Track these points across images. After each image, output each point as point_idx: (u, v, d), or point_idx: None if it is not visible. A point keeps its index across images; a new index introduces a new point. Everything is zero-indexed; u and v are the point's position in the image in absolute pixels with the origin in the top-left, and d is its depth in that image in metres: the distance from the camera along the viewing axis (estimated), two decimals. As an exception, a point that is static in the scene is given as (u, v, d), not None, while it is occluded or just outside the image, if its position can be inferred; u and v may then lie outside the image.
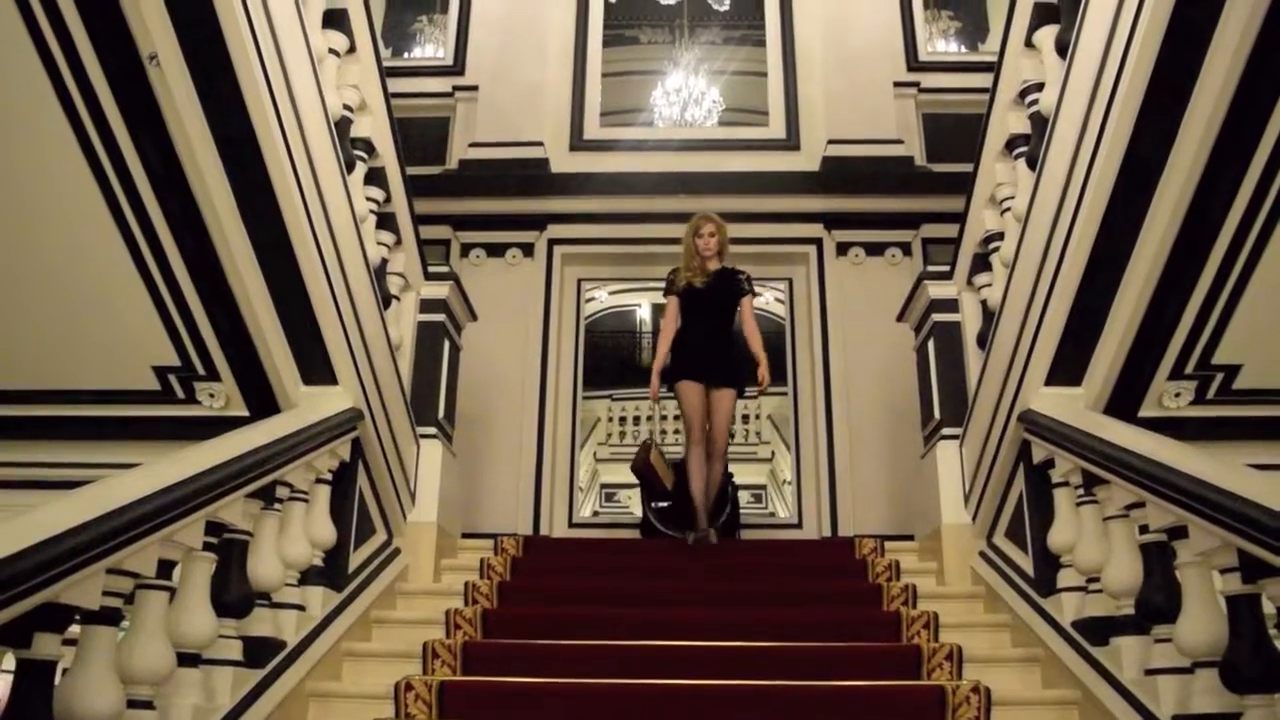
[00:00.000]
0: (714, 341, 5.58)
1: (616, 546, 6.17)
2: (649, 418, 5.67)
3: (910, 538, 5.53)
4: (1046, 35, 4.16)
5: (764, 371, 5.52)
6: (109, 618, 2.56)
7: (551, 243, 7.41)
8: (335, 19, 4.29)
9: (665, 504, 6.13)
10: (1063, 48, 3.91)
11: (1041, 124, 4.11)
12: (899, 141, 7.48)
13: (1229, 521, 2.62)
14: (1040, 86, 4.23)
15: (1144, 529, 3.24)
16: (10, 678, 2.34)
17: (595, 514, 11.71)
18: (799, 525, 6.86)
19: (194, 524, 2.90)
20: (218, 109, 3.41)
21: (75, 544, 2.31)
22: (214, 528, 3.07)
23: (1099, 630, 3.53)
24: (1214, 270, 3.70)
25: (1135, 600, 3.29)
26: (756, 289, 5.95)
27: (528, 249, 7.33)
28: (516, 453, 6.82)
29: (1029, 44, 4.34)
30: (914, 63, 8.02)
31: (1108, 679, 3.37)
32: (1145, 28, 3.22)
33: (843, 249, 7.26)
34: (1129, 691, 3.23)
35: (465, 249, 7.33)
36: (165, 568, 2.82)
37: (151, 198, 3.60)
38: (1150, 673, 3.16)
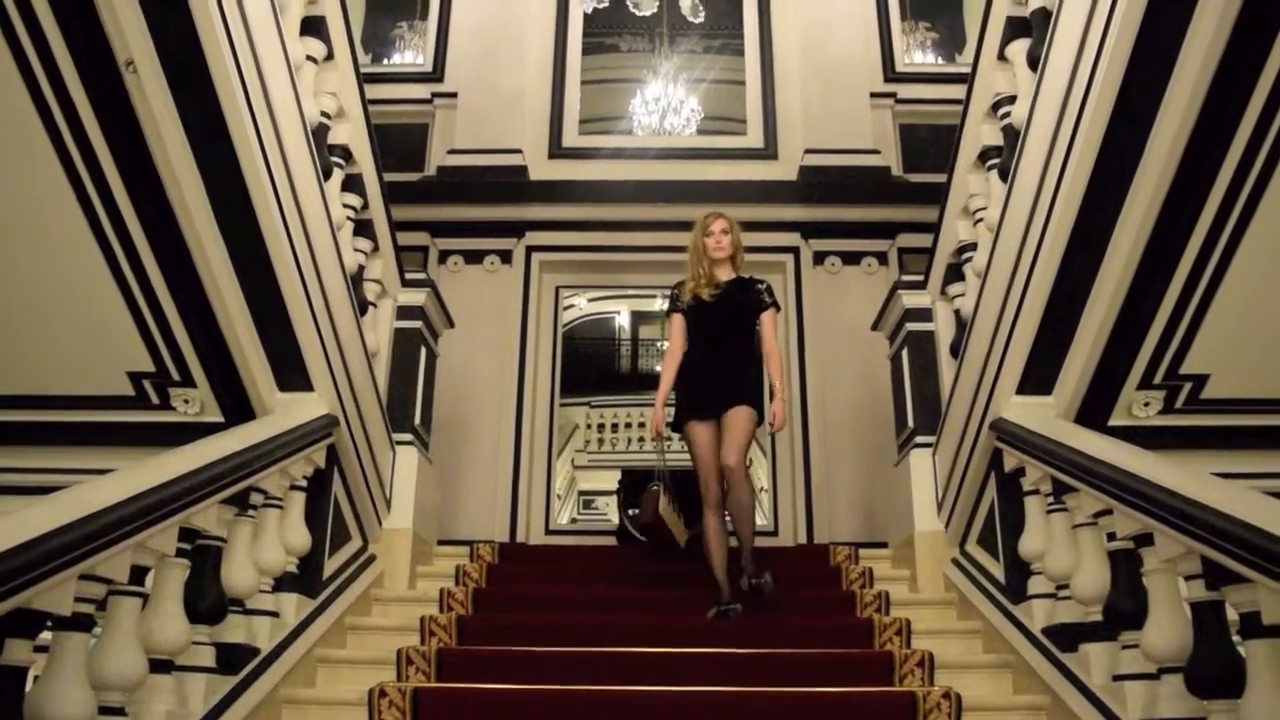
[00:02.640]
0: (727, 367, 4.68)
1: (593, 554, 6.17)
2: (656, 457, 4.98)
3: (884, 545, 5.57)
4: (1019, 49, 4.22)
5: (780, 406, 4.63)
6: (81, 624, 2.55)
7: (530, 250, 7.42)
8: (313, 26, 4.30)
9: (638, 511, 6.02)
10: (1034, 61, 3.97)
11: (1014, 136, 4.17)
12: (876, 152, 7.53)
13: (1193, 530, 2.67)
14: (1013, 99, 4.29)
15: (1111, 536, 3.28)
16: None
17: (573, 520, 11.74)
18: (775, 533, 6.87)
19: (167, 530, 2.90)
20: (193, 115, 3.41)
21: (47, 549, 2.31)
22: (187, 534, 3.07)
23: (1068, 637, 3.58)
24: (1182, 281, 3.77)
25: (1103, 607, 3.35)
26: (779, 303, 5.08)
27: (506, 256, 7.34)
28: (493, 459, 6.81)
29: (1002, 57, 4.40)
30: (891, 74, 8.07)
31: (1077, 685, 3.41)
32: (1113, 42, 3.28)
33: (819, 258, 7.30)
34: (1097, 697, 3.28)
35: (443, 256, 7.32)
36: (138, 574, 2.82)
37: (127, 203, 3.61)
38: (1118, 678, 3.20)
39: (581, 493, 13.00)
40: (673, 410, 4.79)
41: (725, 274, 4.84)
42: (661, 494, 4.86)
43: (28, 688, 2.44)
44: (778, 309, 4.88)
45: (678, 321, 4.82)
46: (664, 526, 4.87)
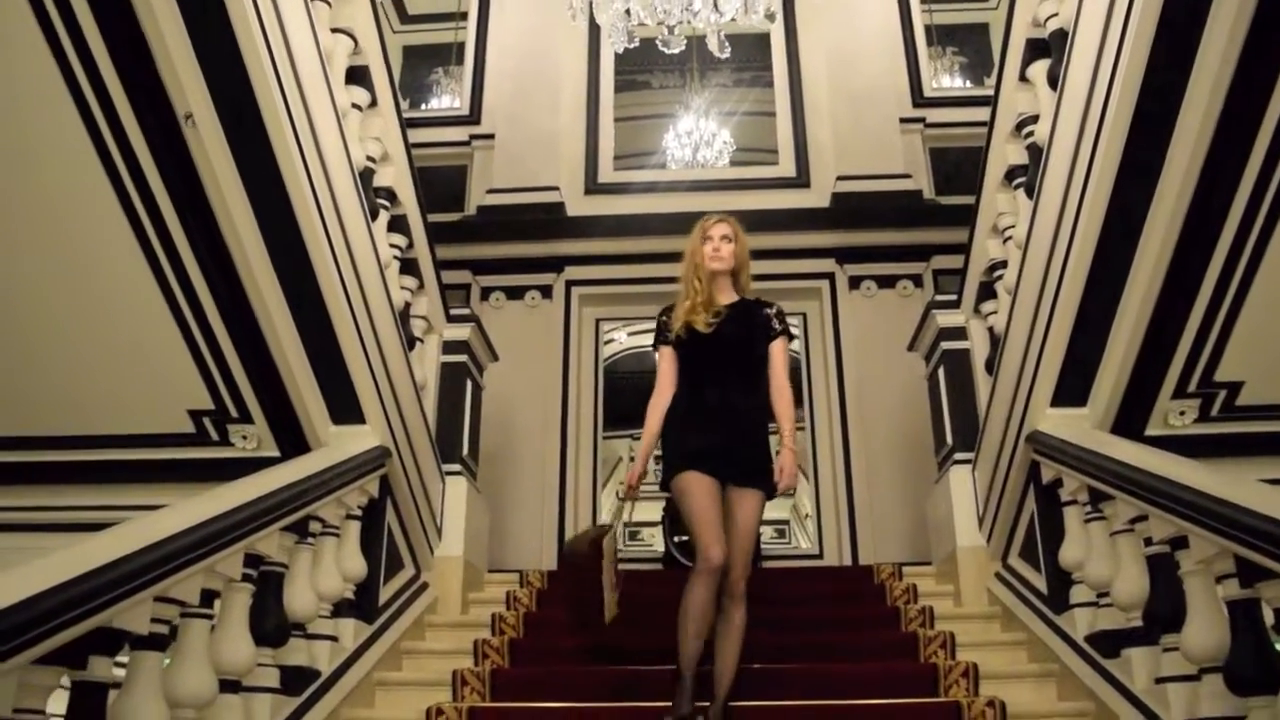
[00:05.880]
0: (734, 420, 3.69)
1: (641, 577, 6.23)
2: (616, 519, 4.14)
3: (929, 564, 5.61)
4: (1039, 70, 4.32)
5: (789, 461, 3.64)
6: (156, 643, 2.69)
7: (569, 284, 7.61)
8: (357, 75, 4.50)
9: (687, 538, 5.97)
10: (1054, 80, 4.07)
11: (1037, 154, 4.26)
12: (907, 176, 7.65)
13: (1225, 529, 2.73)
14: (1035, 119, 4.38)
15: (1148, 542, 3.34)
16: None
17: (618, 551, 11.76)
18: (820, 556, 6.94)
19: (234, 555, 3.04)
20: (249, 162, 3.60)
21: (125, 571, 2.46)
22: (252, 560, 3.21)
23: (1110, 643, 3.62)
24: (1211, 288, 3.82)
25: (1143, 612, 3.40)
26: (792, 329, 4.10)
27: (546, 291, 7.52)
28: (539, 491, 6.95)
29: (1024, 78, 4.50)
30: (919, 99, 8.21)
31: (1120, 690, 3.46)
32: (1129, 53, 3.37)
33: (855, 283, 7.40)
34: (1140, 701, 3.32)
35: (485, 292, 7.51)
36: (208, 597, 2.96)
37: (186, 248, 3.80)
38: (1160, 681, 3.24)
39: (626, 524, 13.06)
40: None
41: (726, 296, 3.88)
42: (612, 534, 4.00)
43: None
44: (790, 338, 3.91)
45: (667, 356, 3.86)
46: (596, 564, 3.91)
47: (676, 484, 3.62)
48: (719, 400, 3.72)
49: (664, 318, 3.93)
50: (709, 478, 3.57)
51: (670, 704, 3.41)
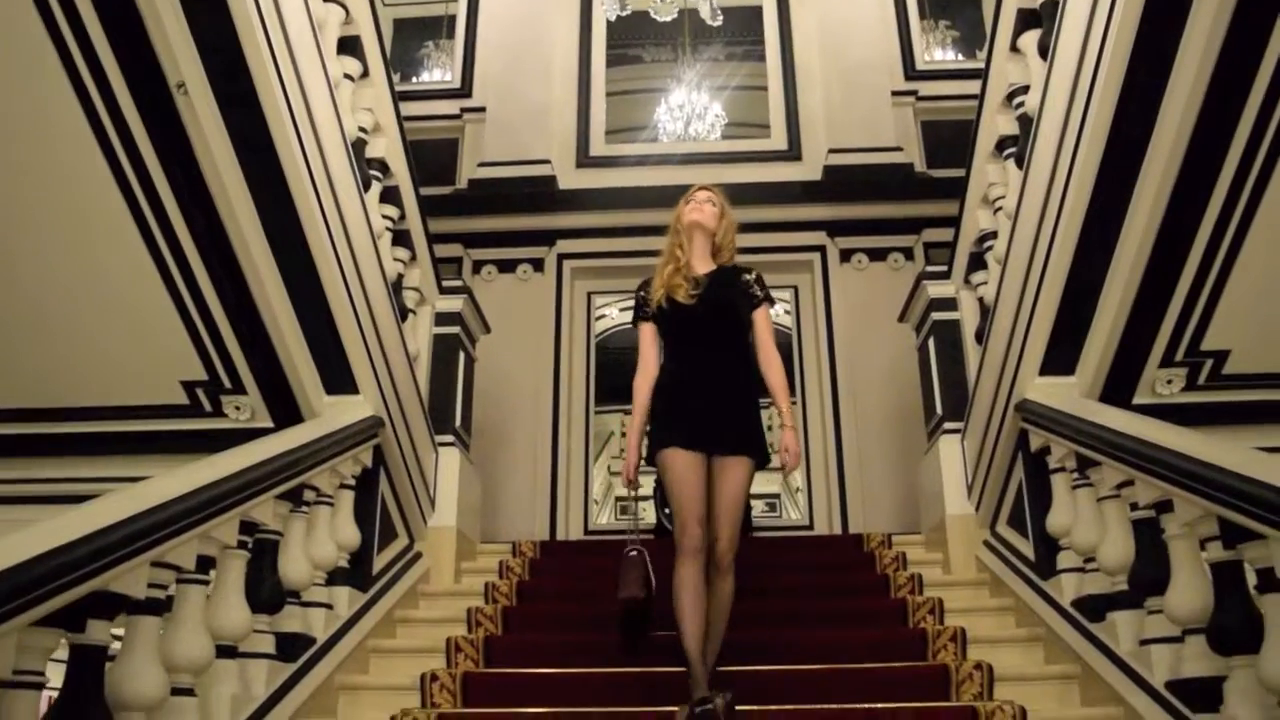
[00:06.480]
0: (719, 389, 3.60)
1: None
2: (623, 509, 3.58)
3: (918, 533, 5.65)
4: (1030, 40, 4.34)
5: (791, 438, 3.55)
6: (154, 608, 2.73)
7: (561, 257, 7.61)
8: (349, 45, 4.50)
9: None
10: (1045, 50, 4.08)
11: (1028, 124, 4.28)
12: (898, 149, 7.65)
13: (1209, 491, 2.78)
14: (1026, 89, 4.40)
15: (1134, 507, 3.38)
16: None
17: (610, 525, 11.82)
18: (810, 527, 6.99)
19: (229, 521, 3.07)
20: (241, 131, 3.60)
21: (122, 535, 2.49)
22: (247, 527, 3.24)
23: (1097, 607, 3.67)
24: (1199, 257, 3.83)
25: (1129, 576, 3.45)
26: (773, 295, 3.90)
27: (538, 264, 7.52)
28: (532, 463, 6.98)
29: (1014, 49, 4.52)
30: (911, 71, 8.20)
31: (1105, 652, 3.51)
32: (1119, 20, 3.38)
33: (846, 255, 7.42)
34: (1125, 663, 3.37)
35: (477, 266, 7.51)
36: (204, 564, 2.99)
37: (179, 218, 3.79)
38: (1144, 643, 3.29)
39: (618, 498, 13.10)
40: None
41: (705, 266, 3.78)
42: (647, 563, 3.63)
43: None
44: (772, 303, 3.81)
45: (648, 332, 3.77)
46: (651, 603, 3.58)
47: (659, 460, 3.55)
48: (703, 370, 3.62)
49: (642, 293, 3.82)
50: (692, 452, 3.49)
51: (688, 695, 3.23)
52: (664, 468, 3.53)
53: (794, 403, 7.51)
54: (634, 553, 3.64)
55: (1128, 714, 3.28)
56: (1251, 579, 2.81)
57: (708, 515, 3.45)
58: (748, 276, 3.76)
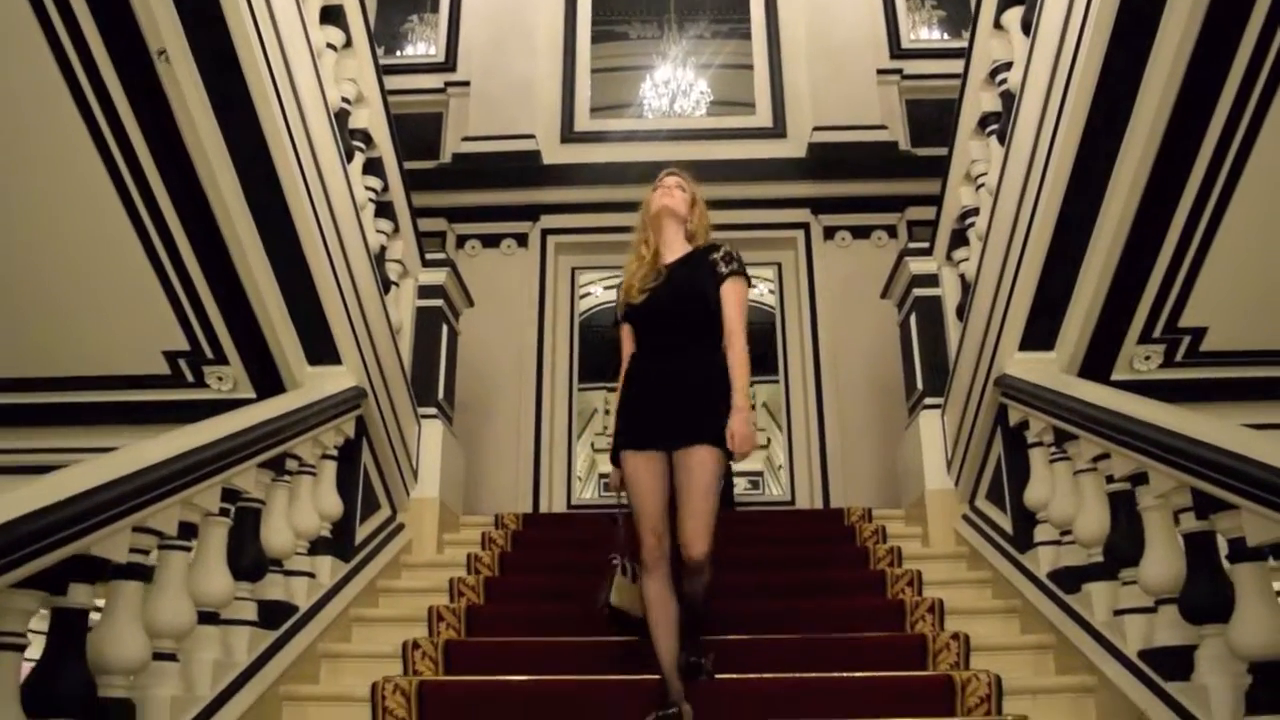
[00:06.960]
0: (674, 371, 3.42)
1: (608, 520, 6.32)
2: (607, 485, 3.89)
3: (899, 508, 5.70)
4: (1014, 16, 4.35)
5: (741, 423, 3.27)
6: (136, 573, 2.73)
7: (545, 233, 7.61)
8: (332, 14, 4.46)
9: None
10: (1028, 26, 4.09)
11: (1010, 101, 4.29)
12: (883, 127, 7.67)
13: (1182, 462, 2.82)
14: (1009, 66, 4.41)
15: (1110, 480, 3.42)
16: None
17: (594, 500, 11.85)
18: (792, 503, 7.04)
19: (211, 488, 3.08)
20: (223, 100, 3.57)
21: (103, 500, 2.49)
22: (229, 494, 3.25)
23: (1072, 579, 3.72)
24: (1178, 233, 3.86)
25: (1104, 547, 3.49)
26: (749, 271, 3.59)
27: (522, 239, 7.52)
28: (515, 438, 7.00)
29: (998, 25, 4.53)
30: (896, 50, 8.23)
31: (1080, 623, 3.57)
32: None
33: (830, 233, 7.45)
34: (1099, 633, 3.43)
35: (461, 240, 7.51)
36: (186, 530, 3.00)
37: (161, 188, 3.77)
38: (1118, 613, 3.35)
39: (601, 475, 13.14)
40: None
41: (677, 251, 3.59)
42: (620, 574, 3.53)
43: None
44: (747, 280, 3.55)
45: (626, 333, 3.62)
46: (623, 613, 3.50)
47: (622, 465, 3.44)
48: (661, 361, 3.46)
49: (621, 295, 3.66)
50: (646, 453, 3.35)
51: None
52: (625, 475, 3.42)
53: (774, 381, 7.57)
54: (615, 560, 3.57)
55: (1101, 682, 3.34)
56: (1224, 550, 2.86)
57: (672, 516, 3.31)
58: (715, 255, 3.51)
